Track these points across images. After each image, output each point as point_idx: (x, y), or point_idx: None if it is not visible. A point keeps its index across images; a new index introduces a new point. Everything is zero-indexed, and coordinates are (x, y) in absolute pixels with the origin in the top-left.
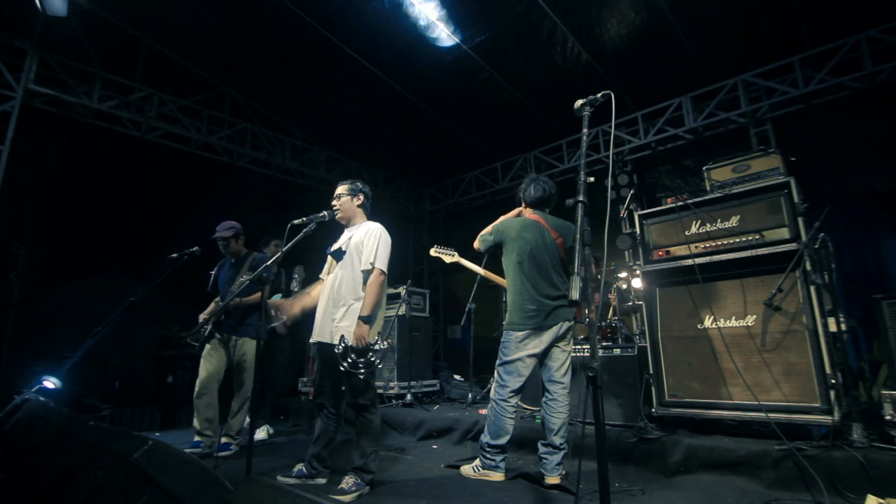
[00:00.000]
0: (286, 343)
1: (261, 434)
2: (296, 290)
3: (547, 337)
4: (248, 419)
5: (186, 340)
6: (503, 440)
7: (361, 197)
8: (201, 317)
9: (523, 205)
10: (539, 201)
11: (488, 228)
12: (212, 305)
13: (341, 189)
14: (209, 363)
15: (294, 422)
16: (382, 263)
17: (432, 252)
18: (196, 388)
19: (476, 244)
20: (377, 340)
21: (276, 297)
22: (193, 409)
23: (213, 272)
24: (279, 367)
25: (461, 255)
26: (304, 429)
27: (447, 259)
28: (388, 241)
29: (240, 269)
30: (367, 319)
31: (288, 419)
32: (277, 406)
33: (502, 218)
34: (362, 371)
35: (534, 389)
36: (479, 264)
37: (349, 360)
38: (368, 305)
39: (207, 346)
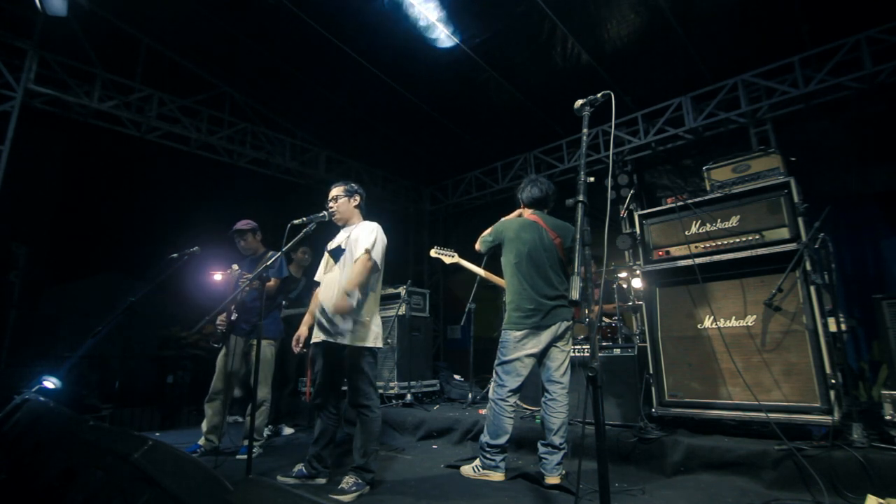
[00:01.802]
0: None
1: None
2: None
3: (545, 337)
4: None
5: (211, 343)
6: (503, 440)
7: (358, 198)
8: (219, 319)
9: (522, 206)
10: (537, 201)
11: (488, 230)
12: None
13: (337, 191)
14: (223, 367)
15: (294, 422)
16: (377, 255)
17: (432, 253)
18: (209, 392)
19: (477, 246)
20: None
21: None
22: (203, 409)
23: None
24: (291, 367)
25: (461, 256)
26: (304, 429)
27: (447, 260)
28: (384, 240)
29: (255, 266)
30: (350, 294)
31: (289, 419)
32: (291, 406)
33: (503, 220)
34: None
35: (533, 389)
36: (480, 265)
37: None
38: (352, 282)
39: (224, 349)
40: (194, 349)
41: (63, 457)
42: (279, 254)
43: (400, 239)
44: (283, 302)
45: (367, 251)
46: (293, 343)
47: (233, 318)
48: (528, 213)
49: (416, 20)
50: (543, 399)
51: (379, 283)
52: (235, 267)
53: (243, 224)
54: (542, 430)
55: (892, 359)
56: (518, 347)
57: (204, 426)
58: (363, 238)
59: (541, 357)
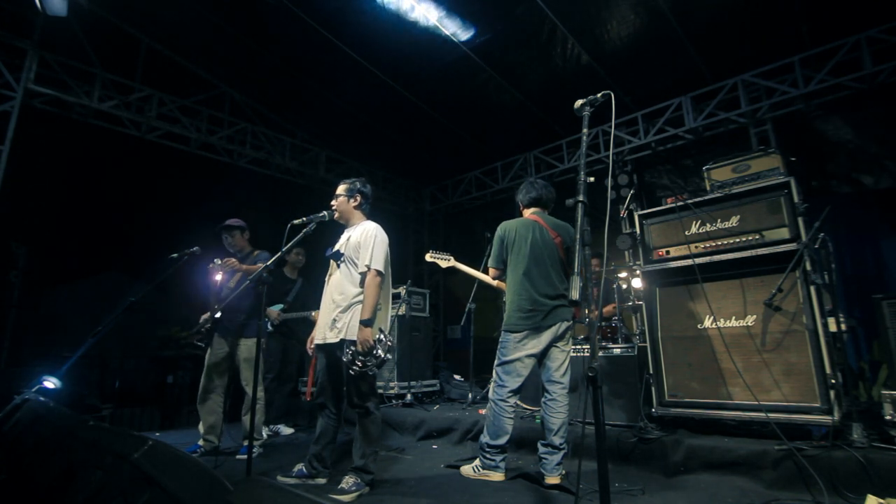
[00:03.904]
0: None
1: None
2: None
3: (545, 337)
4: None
5: (194, 342)
6: (503, 440)
7: (359, 197)
8: (202, 318)
9: (522, 208)
10: (535, 201)
11: (491, 248)
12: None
13: (339, 189)
14: (211, 366)
15: (294, 422)
16: (378, 264)
17: (428, 258)
18: (199, 393)
19: (490, 270)
20: (381, 333)
21: (276, 308)
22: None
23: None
24: (293, 367)
25: (459, 259)
26: (304, 429)
27: (443, 264)
28: (384, 241)
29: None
30: (367, 322)
31: (289, 419)
32: (291, 406)
33: (503, 223)
34: (371, 370)
35: (533, 389)
36: (477, 268)
37: (357, 365)
38: (368, 308)
39: (210, 349)
40: (194, 349)
41: (63, 457)
42: (277, 255)
43: (400, 239)
44: (282, 306)
45: (376, 271)
46: (307, 344)
47: (216, 315)
48: (528, 214)
49: (416, 21)
50: (543, 399)
51: (387, 278)
52: (218, 261)
53: (230, 221)
54: (542, 430)
55: (892, 359)
56: (518, 348)
57: (201, 428)
58: (364, 248)
59: (541, 357)
